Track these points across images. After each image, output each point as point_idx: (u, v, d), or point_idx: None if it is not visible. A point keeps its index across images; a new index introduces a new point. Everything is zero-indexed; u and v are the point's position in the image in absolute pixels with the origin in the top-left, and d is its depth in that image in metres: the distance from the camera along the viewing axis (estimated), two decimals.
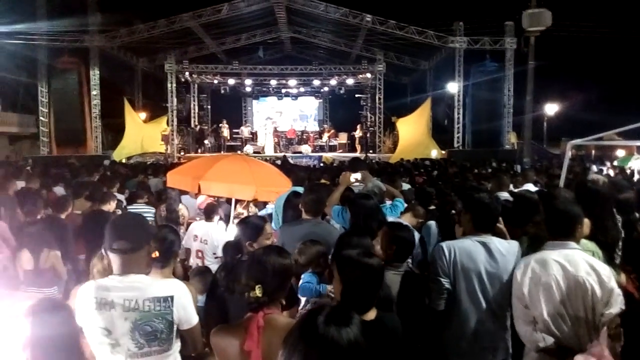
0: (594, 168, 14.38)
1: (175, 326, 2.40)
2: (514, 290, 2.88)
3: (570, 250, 2.76)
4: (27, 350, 2.10)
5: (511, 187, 6.40)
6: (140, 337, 2.32)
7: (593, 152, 24.31)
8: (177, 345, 2.46)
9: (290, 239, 3.82)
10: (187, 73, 24.64)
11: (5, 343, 2.48)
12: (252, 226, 3.39)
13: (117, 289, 2.32)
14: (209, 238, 5.39)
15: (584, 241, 3.25)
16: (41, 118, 22.57)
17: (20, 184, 7.52)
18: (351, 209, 3.79)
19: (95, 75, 22.44)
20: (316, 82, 25.25)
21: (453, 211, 4.84)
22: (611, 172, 13.43)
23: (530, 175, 7.70)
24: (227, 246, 4.06)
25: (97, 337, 2.32)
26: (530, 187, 6.37)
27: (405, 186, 7.65)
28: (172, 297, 2.37)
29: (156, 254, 2.79)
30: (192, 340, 2.52)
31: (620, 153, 21.52)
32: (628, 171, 13.54)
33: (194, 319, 2.47)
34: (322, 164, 19.56)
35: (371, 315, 2.34)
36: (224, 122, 25.71)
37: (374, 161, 18.15)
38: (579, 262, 2.70)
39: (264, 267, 2.19)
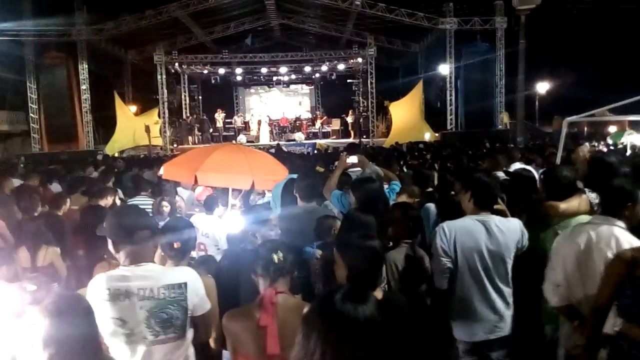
0: (587, 145, 14.42)
1: (189, 312, 2.43)
2: (550, 253, 3.01)
3: (611, 226, 2.74)
4: (49, 349, 1.88)
5: None
6: (156, 324, 2.34)
7: (585, 129, 24.40)
8: (190, 333, 2.49)
9: (288, 225, 3.87)
10: (176, 64, 24.46)
11: (19, 341, 2.43)
12: (259, 217, 3.46)
13: (131, 278, 2.34)
14: (210, 231, 5.36)
15: (584, 217, 3.28)
16: (31, 115, 22.42)
17: (16, 182, 7.47)
18: (355, 193, 3.78)
19: (84, 69, 22.24)
20: (307, 69, 25.09)
21: (452, 192, 4.84)
22: (603, 148, 13.49)
23: (515, 155, 7.55)
24: (231, 237, 4.08)
25: (110, 328, 2.32)
26: (518, 166, 6.29)
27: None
28: (185, 284, 2.41)
29: (178, 244, 2.83)
30: (204, 326, 2.56)
31: (612, 129, 21.66)
32: (620, 146, 13.62)
33: (207, 305, 2.51)
34: (316, 151, 19.53)
35: (378, 295, 2.37)
36: (219, 111, 25.64)
37: (367, 146, 18.14)
38: (608, 237, 2.70)
39: (278, 242, 2.42)
